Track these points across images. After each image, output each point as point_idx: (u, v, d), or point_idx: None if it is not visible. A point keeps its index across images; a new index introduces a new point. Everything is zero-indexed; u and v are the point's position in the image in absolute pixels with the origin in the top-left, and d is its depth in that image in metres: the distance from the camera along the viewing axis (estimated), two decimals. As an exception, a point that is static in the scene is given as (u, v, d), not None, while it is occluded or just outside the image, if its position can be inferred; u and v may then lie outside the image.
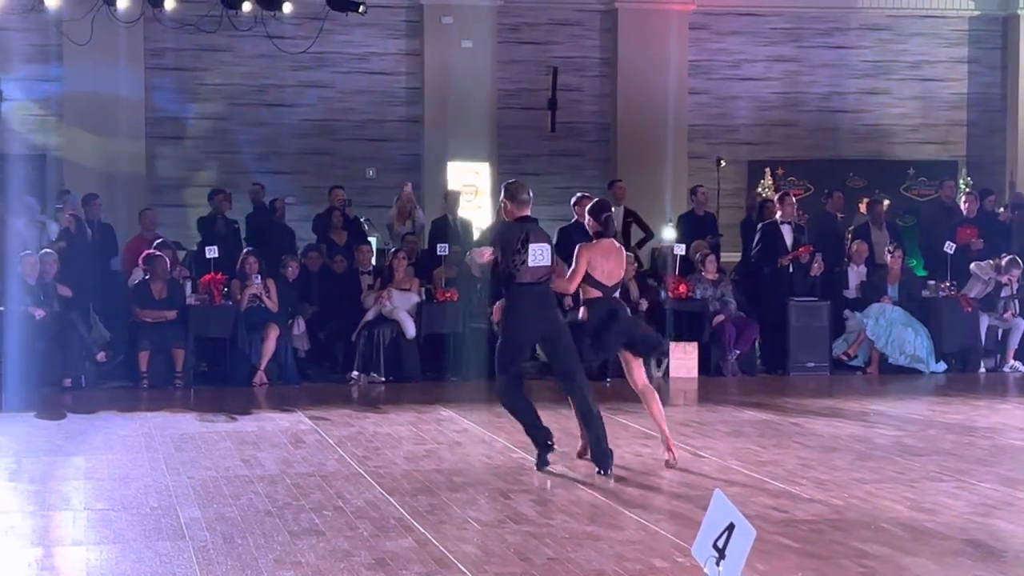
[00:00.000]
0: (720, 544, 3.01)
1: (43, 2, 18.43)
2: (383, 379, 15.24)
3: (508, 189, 10.61)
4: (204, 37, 20.05)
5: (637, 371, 10.61)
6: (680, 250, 16.63)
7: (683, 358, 16.06)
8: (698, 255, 16.92)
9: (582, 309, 10.54)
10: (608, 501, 9.33)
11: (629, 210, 18.33)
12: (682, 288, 16.27)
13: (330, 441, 11.66)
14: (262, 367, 14.97)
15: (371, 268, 16.43)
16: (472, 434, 12.11)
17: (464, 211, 18.97)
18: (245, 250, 15.83)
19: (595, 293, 10.40)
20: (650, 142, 21.17)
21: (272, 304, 15.15)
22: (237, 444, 11.54)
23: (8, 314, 14.32)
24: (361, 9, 19.62)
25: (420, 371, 15.49)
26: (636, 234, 18.40)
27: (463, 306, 15.68)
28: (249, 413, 13.26)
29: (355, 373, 15.31)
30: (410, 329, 15.32)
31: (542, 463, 10.41)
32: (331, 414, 13.12)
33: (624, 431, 12.20)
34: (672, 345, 15.82)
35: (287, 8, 19.37)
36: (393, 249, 16.50)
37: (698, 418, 13.27)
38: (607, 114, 21.85)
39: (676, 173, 21.16)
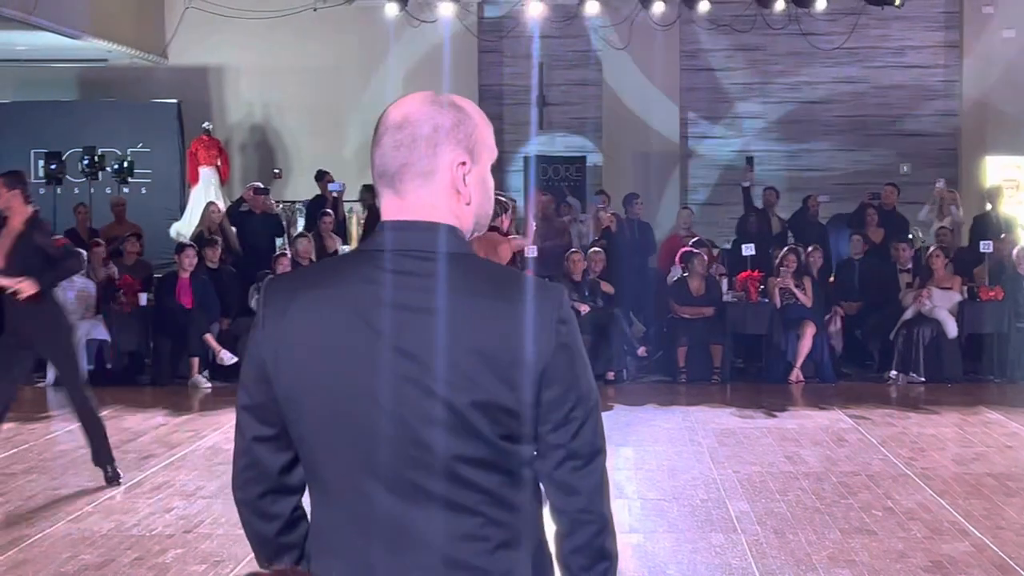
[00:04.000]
0: None
1: (583, 10, 19.22)
2: (922, 379, 14.83)
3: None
4: (737, 36, 20.32)
5: None
6: None
7: None
8: None
9: None
10: None
11: None
12: None
13: (872, 440, 11.49)
14: (798, 364, 14.92)
15: (909, 265, 16.01)
16: (1022, 438, 11.61)
17: (1006, 206, 18.20)
18: (786, 247, 15.82)
19: None
20: None
21: (807, 300, 15.06)
22: (778, 440, 11.58)
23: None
24: (898, 2, 19.26)
25: (961, 372, 14.96)
26: None
27: (1008, 305, 15.01)
28: (786, 410, 13.26)
29: (893, 372, 14.98)
30: (951, 328, 14.82)
31: None
32: (871, 413, 12.92)
33: None
34: None
35: (821, 4, 19.30)
36: (931, 247, 16.03)
37: None
38: None
39: None
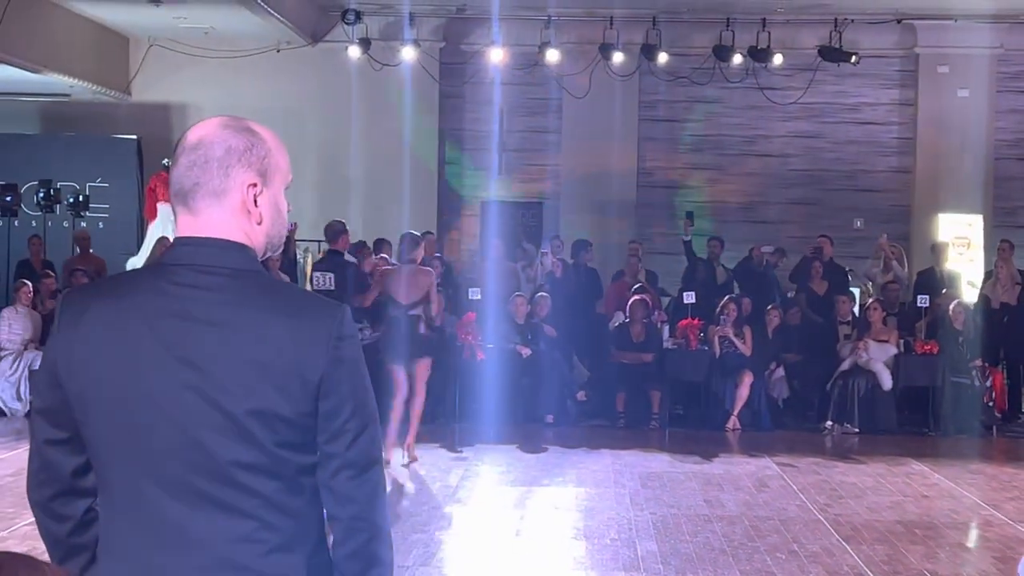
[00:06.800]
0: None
1: (544, 58, 19.48)
2: (856, 430, 15.01)
3: None
4: (696, 89, 20.57)
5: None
6: None
7: None
8: None
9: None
10: (1077, 565, 8.87)
11: None
12: None
13: (794, 487, 11.65)
14: (735, 412, 15.09)
15: (850, 318, 16.22)
16: (941, 488, 11.78)
17: (955, 263, 18.45)
18: (727, 297, 16.01)
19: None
20: None
21: (746, 349, 15.25)
22: (702, 484, 11.73)
23: (497, 351, 15.12)
24: (853, 59, 19.59)
25: (896, 424, 15.14)
26: None
27: (944, 359, 15.22)
28: (717, 456, 13.42)
29: (829, 423, 15.16)
30: (886, 381, 15.02)
31: None
32: (799, 461, 13.08)
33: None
34: None
35: (778, 60, 19.61)
36: (869, 300, 16.27)
37: None
38: (1116, 164, 20.69)
39: None
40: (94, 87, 19.59)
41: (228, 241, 2.80)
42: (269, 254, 2.95)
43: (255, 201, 2.83)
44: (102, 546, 2.80)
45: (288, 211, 2.99)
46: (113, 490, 2.75)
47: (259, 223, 2.85)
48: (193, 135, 2.85)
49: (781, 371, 15.91)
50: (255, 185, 2.83)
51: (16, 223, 18.52)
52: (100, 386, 2.71)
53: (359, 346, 2.84)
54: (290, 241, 17.22)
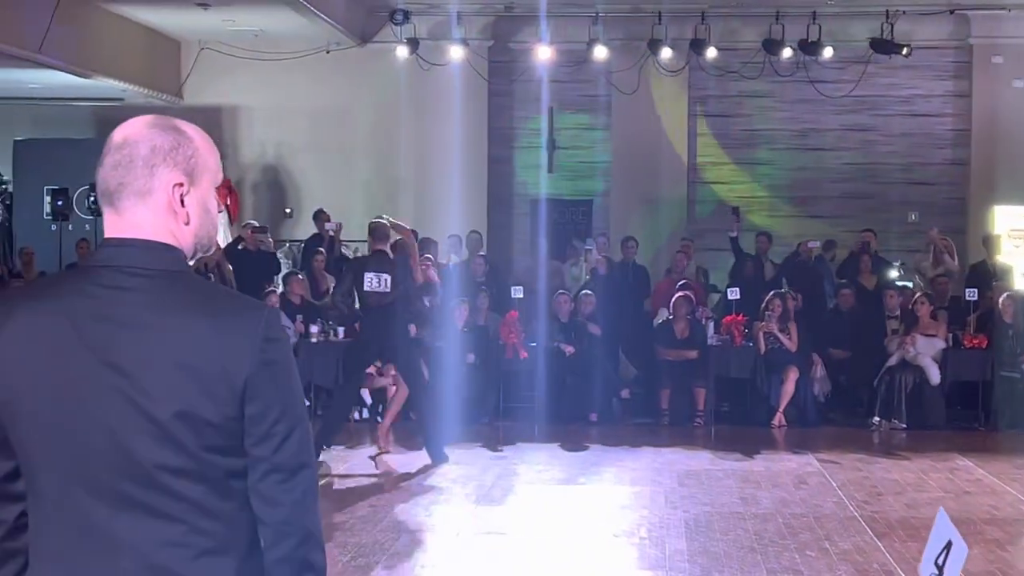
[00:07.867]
0: (940, 562, 3.00)
1: (593, 54, 19.42)
2: (904, 426, 14.82)
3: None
4: (746, 83, 20.40)
5: None
6: None
7: None
8: None
9: None
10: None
11: None
12: None
13: (833, 484, 11.52)
14: (781, 409, 14.96)
15: (897, 312, 16.02)
16: (984, 484, 11.61)
17: (1011, 256, 18.19)
18: (772, 292, 15.88)
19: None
20: None
21: (791, 345, 15.11)
22: (739, 482, 11.64)
23: (541, 349, 15.10)
24: (905, 51, 19.33)
25: (944, 419, 14.94)
26: None
27: (993, 353, 15.00)
28: (760, 453, 13.30)
29: (876, 419, 14.98)
30: (934, 375, 14.82)
31: None
32: (842, 458, 12.95)
33: None
34: None
35: (829, 52, 19.42)
36: (917, 294, 16.06)
37: None
38: None
39: None
40: (146, 91, 19.74)
41: (154, 242, 2.77)
42: (200, 255, 2.93)
43: (182, 201, 2.80)
44: (32, 551, 2.78)
45: (220, 211, 2.96)
46: (41, 495, 2.73)
47: (186, 223, 2.82)
48: (119, 134, 2.82)
49: (822, 368, 15.74)
50: (181, 185, 2.80)
51: (70, 227, 18.73)
52: (26, 390, 2.70)
53: (288, 348, 2.81)
54: (335, 241, 17.32)
